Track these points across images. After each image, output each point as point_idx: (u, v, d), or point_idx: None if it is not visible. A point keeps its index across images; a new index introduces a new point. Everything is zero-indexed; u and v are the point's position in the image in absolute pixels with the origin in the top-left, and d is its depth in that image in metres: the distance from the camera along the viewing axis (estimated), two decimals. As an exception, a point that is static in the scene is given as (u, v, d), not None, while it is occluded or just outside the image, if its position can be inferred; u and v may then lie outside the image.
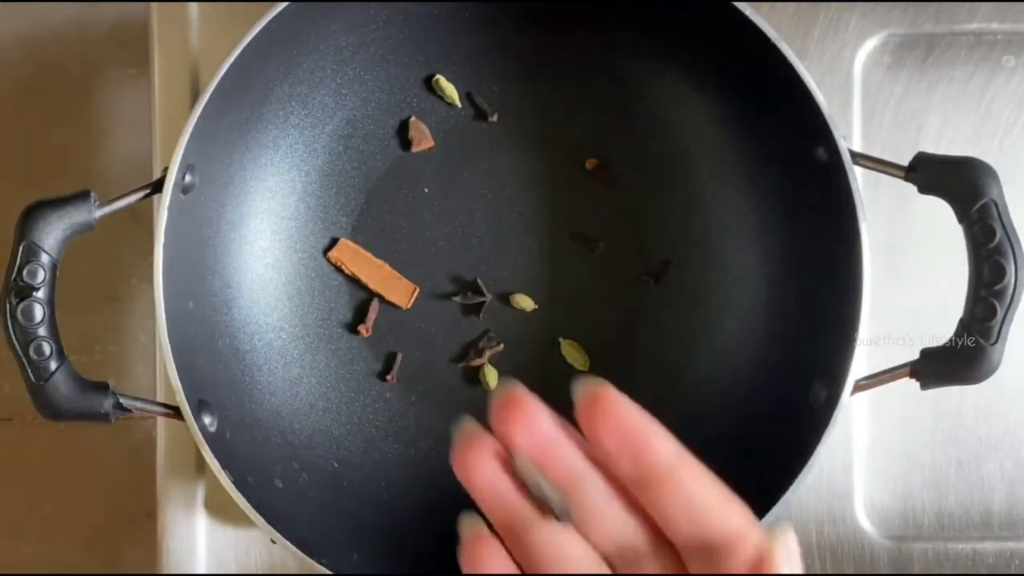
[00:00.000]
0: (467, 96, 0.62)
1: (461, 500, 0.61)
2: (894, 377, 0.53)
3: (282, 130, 0.60)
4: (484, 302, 0.61)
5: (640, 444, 0.31)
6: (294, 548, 0.52)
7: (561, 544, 0.32)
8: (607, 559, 0.33)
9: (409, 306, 0.61)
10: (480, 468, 0.32)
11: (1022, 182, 0.59)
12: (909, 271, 0.62)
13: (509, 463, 0.32)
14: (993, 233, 0.50)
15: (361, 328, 0.61)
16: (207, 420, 0.54)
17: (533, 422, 0.32)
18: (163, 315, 0.53)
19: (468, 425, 0.32)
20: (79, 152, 0.73)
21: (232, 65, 0.53)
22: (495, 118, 0.62)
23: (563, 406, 0.62)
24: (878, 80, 0.63)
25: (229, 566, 0.62)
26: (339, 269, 0.61)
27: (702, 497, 0.32)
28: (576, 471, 0.32)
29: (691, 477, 0.32)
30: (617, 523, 0.32)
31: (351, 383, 0.61)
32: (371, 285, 0.61)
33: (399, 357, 0.61)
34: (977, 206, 0.51)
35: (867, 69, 0.63)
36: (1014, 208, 0.51)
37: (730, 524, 0.32)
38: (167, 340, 0.52)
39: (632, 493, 0.32)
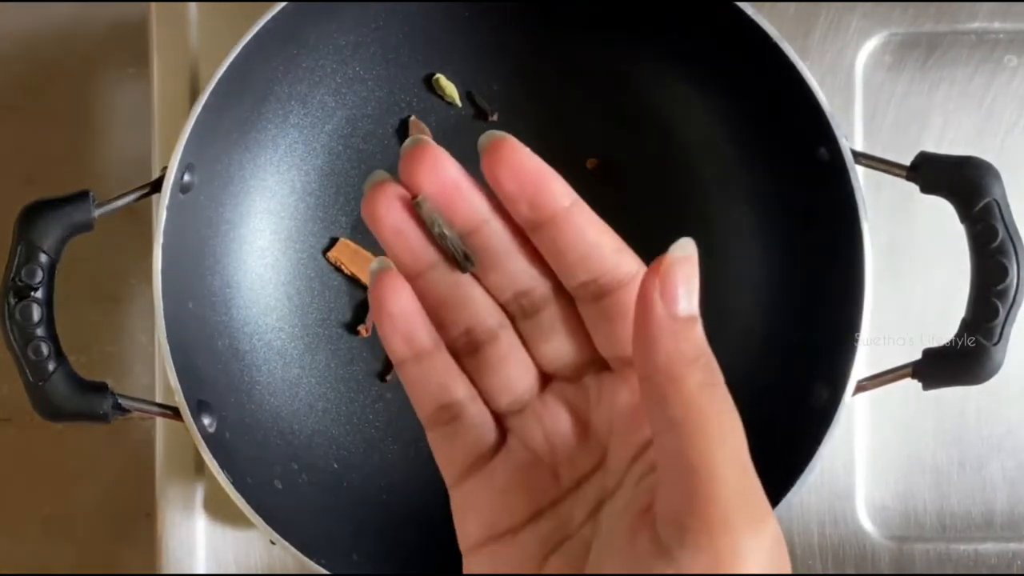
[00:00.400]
0: (467, 96, 0.62)
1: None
2: (896, 377, 0.53)
3: (281, 129, 0.60)
4: (484, 302, 0.61)
5: (538, 185, 0.32)
6: (293, 549, 0.52)
7: (461, 285, 0.34)
8: (505, 308, 0.34)
9: (409, 306, 0.61)
10: (388, 212, 0.33)
11: (1024, 182, 0.59)
12: (911, 271, 0.62)
13: (416, 212, 0.33)
14: (995, 233, 0.50)
15: (361, 328, 0.61)
16: (206, 421, 0.54)
17: (440, 167, 0.33)
18: (162, 315, 0.53)
19: (379, 174, 0.34)
20: (78, 152, 0.73)
21: (231, 65, 0.53)
22: (495, 118, 0.61)
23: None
24: (880, 80, 0.63)
25: (228, 567, 0.62)
26: (339, 269, 0.61)
27: (597, 239, 0.33)
28: (479, 213, 0.33)
29: (586, 220, 0.33)
30: (517, 269, 0.34)
31: (351, 383, 0.61)
32: (371, 285, 0.61)
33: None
34: (979, 206, 0.50)
35: (868, 69, 0.62)
36: (1016, 208, 0.51)
37: (624, 268, 0.33)
38: (166, 340, 0.52)
39: (532, 245, 0.33)
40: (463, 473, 0.34)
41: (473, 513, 0.34)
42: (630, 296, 0.32)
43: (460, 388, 0.34)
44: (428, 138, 0.33)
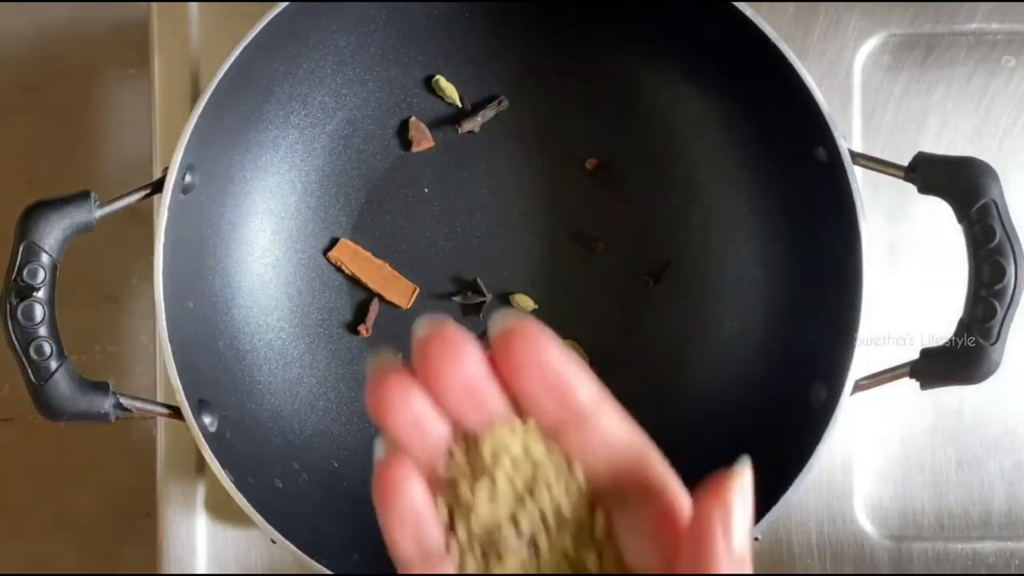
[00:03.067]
0: (467, 96, 0.62)
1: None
2: (894, 377, 0.53)
3: (282, 130, 0.60)
4: (484, 302, 0.61)
5: (564, 387, 0.30)
6: (294, 548, 0.52)
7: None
8: None
9: (409, 306, 0.61)
10: (404, 405, 0.30)
11: (1022, 182, 0.59)
12: (909, 271, 0.62)
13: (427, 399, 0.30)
14: (993, 233, 0.50)
15: (361, 328, 0.61)
16: (207, 420, 0.54)
17: (465, 362, 0.30)
18: (163, 315, 0.53)
19: (384, 356, 0.30)
20: (79, 152, 0.73)
21: (232, 65, 0.53)
22: (495, 118, 0.62)
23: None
24: (878, 80, 0.63)
25: (229, 566, 0.62)
26: (339, 269, 0.61)
27: (627, 442, 0.30)
28: (499, 414, 0.30)
29: (615, 423, 0.30)
30: None
31: (351, 383, 0.61)
32: (371, 285, 0.61)
33: (399, 357, 0.61)
34: (977, 206, 0.51)
35: (867, 69, 0.63)
36: (1014, 208, 0.51)
37: (653, 475, 0.31)
38: (167, 340, 0.52)
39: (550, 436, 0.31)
40: None
41: None
42: (658, 511, 0.30)
43: None
44: (447, 322, 0.30)
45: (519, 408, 0.30)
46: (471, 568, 0.30)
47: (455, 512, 0.30)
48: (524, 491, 0.31)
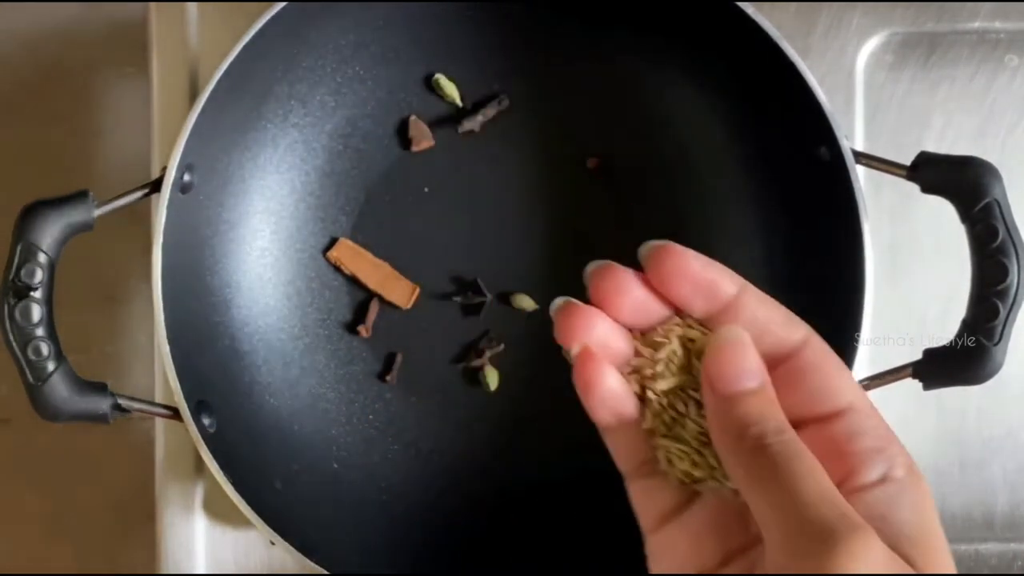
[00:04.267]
0: (467, 95, 0.62)
1: (461, 501, 0.61)
2: (896, 378, 0.53)
3: (281, 129, 0.60)
4: (484, 302, 0.61)
5: (710, 283, 0.35)
6: (293, 549, 0.52)
7: None
8: None
9: (409, 306, 0.61)
10: (585, 333, 0.35)
11: (1025, 182, 0.59)
12: (911, 271, 0.62)
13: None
14: (996, 233, 0.50)
15: (361, 328, 0.61)
16: (206, 421, 0.54)
17: (629, 290, 0.36)
18: (162, 315, 0.52)
19: (564, 300, 0.36)
20: (77, 151, 0.73)
21: (231, 64, 0.53)
22: (495, 118, 0.61)
23: (564, 405, 0.62)
24: (880, 79, 0.62)
25: (228, 567, 0.62)
26: (339, 269, 0.61)
27: (767, 316, 0.35)
28: (665, 316, 0.36)
29: (756, 301, 0.35)
30: None
31: (351, 383, 0.61)
32: (371, 285, 0.61)
33: (399, 357, 0.61)
34: (980, 206, 0.50)
35: (869, 68, 0.62)
36: (1017, 208, 0.51)
37: (794, 337, 0.35)
38: (166, 340, 0.52)
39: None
40: (660, 520, 0.36)
41: (668, 558, 0.36)
42: (803, 361, 0.35)
43: None
44: (610, 263, 0.36)
45: (678, 312, 0.36)
46: (662, 429, 0.36)
47: (644, 384, 0.36)
48: (694, 361, 0.36)
